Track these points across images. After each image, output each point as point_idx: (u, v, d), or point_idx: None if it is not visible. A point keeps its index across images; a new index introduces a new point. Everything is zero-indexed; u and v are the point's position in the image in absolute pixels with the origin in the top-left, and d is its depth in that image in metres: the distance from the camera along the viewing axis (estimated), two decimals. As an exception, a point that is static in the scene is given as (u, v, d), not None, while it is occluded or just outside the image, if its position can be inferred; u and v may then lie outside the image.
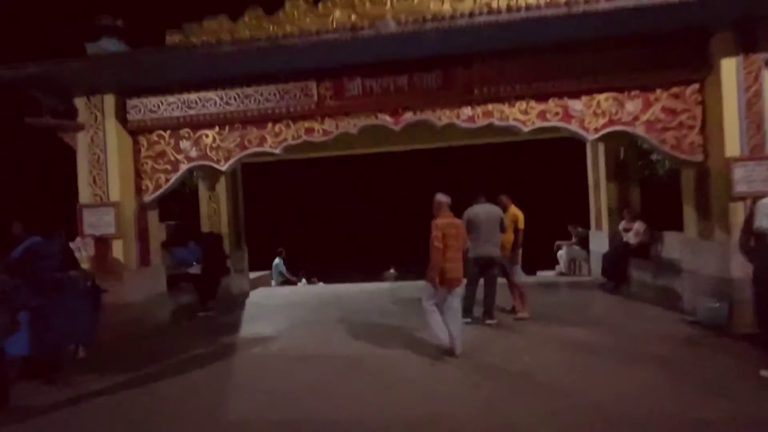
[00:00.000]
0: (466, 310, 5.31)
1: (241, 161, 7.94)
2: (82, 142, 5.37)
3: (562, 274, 8.89)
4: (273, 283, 10.37)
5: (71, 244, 4.55)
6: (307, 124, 5.35)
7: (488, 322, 5.18)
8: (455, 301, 4.15)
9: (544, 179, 15.49)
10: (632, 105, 4.90)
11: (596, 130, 4.97)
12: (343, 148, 7.79)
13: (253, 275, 9.41)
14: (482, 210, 5.19)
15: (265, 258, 11.32)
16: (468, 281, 5.35)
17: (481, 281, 5.19)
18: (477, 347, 4.41)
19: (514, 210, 5.61)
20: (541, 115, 5.05)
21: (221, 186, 8.08)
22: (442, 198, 4.14)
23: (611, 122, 4.95)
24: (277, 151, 5.38)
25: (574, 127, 4.99)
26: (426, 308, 4.11)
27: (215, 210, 8.09)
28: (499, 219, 5.24)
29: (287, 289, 9.08)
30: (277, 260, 10.63)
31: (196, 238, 7.34)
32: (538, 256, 10.24)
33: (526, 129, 5.07)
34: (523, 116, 5.06)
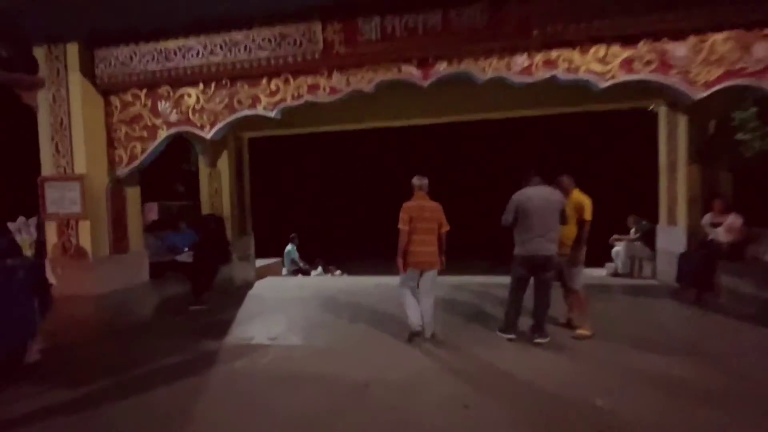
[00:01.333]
0: (509, 324, 4.08)
1: (245, 133, 7.12)
2: (43, 102, 4.40)
3: (617, 274, 7.41)
4: (284, 271, 9.44)
5: (10, 225, 3.66)
6: (310, 80, 4.13)
7: (538, 340, 3.93)
8: (427, 283, 4.02)
9: (598, 160, 13.22)
10: (763, 49, 3.43)
11: (707, 85, 3.48)
12: (353, 121, 6.59)
13: (261, 263, 8.48)
14: (537, 194, 3.86)
15: (277, 244, 10.39)
16: (513, 287, 4.10)
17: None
18: (526, 378, 3.19)
19: (579, 196, 4.25)
20: (626, 64, 3.60)
21: (224, 162, 7.10)
22: (414, 181, 4.03)
23: (730, 74, 3.47)
24: (272, 114, 4.23)
25: (674, 80, 3.51)
26: (400, 292, 4.06)
27: (216, 190, 7.13)
28: (559, 207, 3.92)
29: (297, 280, 8.07)
30: (289, 247, 9.66)
31: (193, 221, 6.42)
32: (587, 251, 8.81)
33: (603, 84, 3.65)
34: (601, 66, 3.64)
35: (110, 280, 4.47)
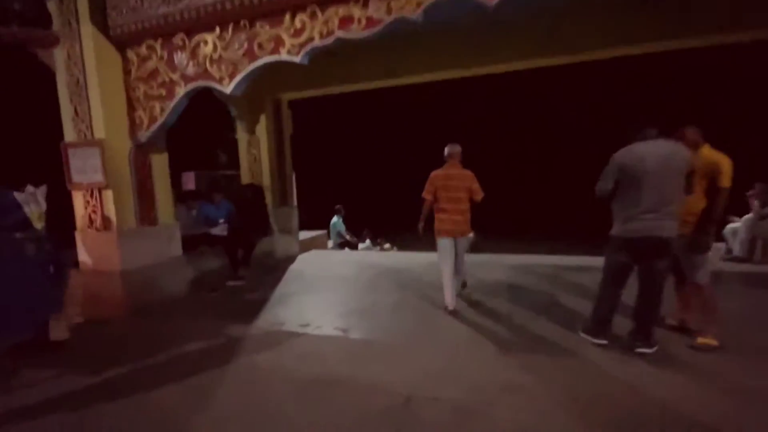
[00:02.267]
0: (599, 325, 3.10)
1: (283, 95, 6.41)
2: (59, 60, 4.02)
3: (731, 258, 5.89)
4: (330, 244, 8.98)
5: (17, 196, 3.35)
6: (341, 11, 3.19)
7: (641, 350, 2.92)
8: (461, 248, 4.01)
9: (709, 111, 10.59)
10: None
11: None
12: (394, 75, 5.58)
13: (306, 235, 8.05)
14: (653, 153, 2.66)
15: (324, 216, 9.94)
16: (607, 277, 3.07)
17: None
18: (623, 403, 2.26)
19: (710, 153, 3.00)
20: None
21: (262, 128, 6.56)
22: (446, 149, 3.93)
23: None
24: (297, 59, 3.43)
25: None
26: (441, 265, 3.94)
27: (256, 158, 6.66)
28: (684, 169, 2.77)
29: (342, 255, 7.51)
30: (335, 218, 9.13)
31: (229, 192, 6.02)
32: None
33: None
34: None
35: (138, 255, 4.14)
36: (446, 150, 3.95)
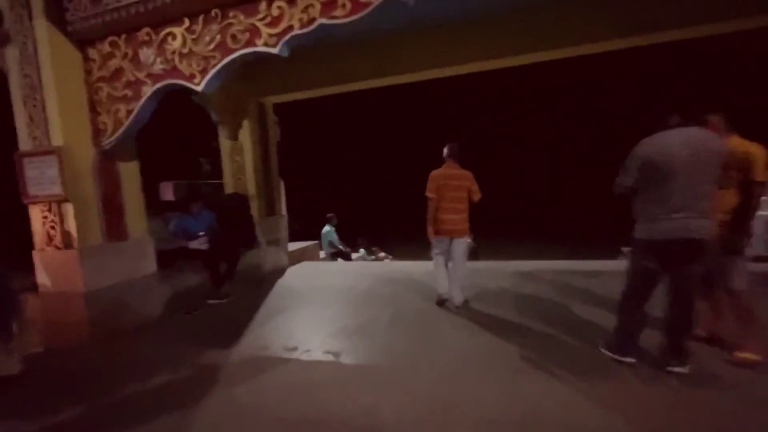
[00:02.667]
0: (625, 340, 2.73)
1: (268, 98, 5.98)
2: (11, 59, 3.66)
3: (758, 257, 5.57)
4: (322, 254, 8.56)
5: None
6: None
7: (675, 369, 2.55)
8: (458, 251, 3.90)
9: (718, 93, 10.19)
10: None
11: None
12: (383, 74, 5.25)
13: (297, 246, 7.65)
14: (681, 143, 2.30)
15: (315, 225, 9.54)
16: (632, 286, 2.70)
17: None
18: None
19: (740, 143, 2.68)
20: None
21: (245, 133, 6.19)
22: (445, 149, 3.92)
23: None
24: (276, 50, 3.05)
25: None
26: (433, 260, 4.02)
27: (239, 165, 6.27)
28: (718, 160, 2.44)
29: (334, 266, 7.10)
30: (327, 228, 8.73)
31: (211, 202, 5.61)
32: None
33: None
34: None
35: (105, 274, 3.72)
36: (445, 150, 3.93)
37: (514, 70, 5.42)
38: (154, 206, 5.57)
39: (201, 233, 4.87)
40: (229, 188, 6.27)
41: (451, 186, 3.80)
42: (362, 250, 10.50)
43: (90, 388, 2.73)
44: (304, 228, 12.27)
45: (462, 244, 3.93)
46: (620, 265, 4.98)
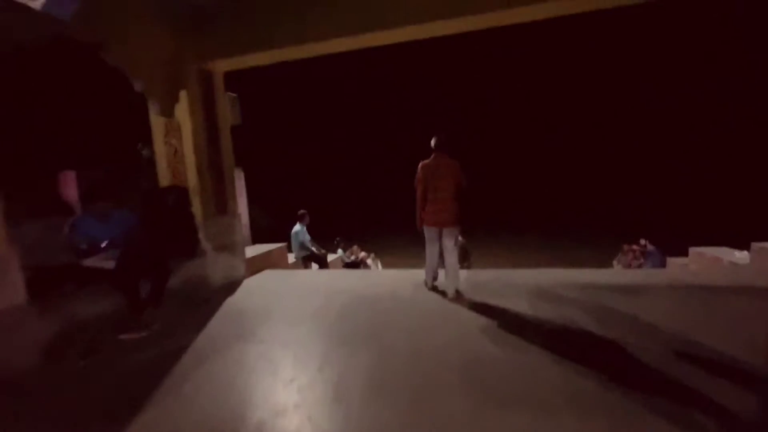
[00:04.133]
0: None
1: (215, 64, 4.17)
2: None
3: None
4: (291, 258, 7.24)
5: None
6: None
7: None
8: (449, 241, 3.90)
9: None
10: None
11: None
12: (358, 29, 4.01)
13: (259, 250, 6.31)
14: None
15: (286, 224, 8.21)
16: None
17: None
18: None
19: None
20: None
21: (183, 109, 4.78)
22: (433, 139, 3.95)
23: None
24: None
25: None
26: (426, 250, 4.04)
27: (176, 150, 4.87)
28: None
29: (303, 276, 5.70)
30: (297, 227, 7.39)
31: (144, 198, 4.25)
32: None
33: None
34: None
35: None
36: (432, 141, 3.95)
37: (523, 29, 4.24)
38: (51, 204, 4.15)
39: (108, 242, 3.49)
40: (164, 180, 4.87)
41: (440, 175, 3.82)
42: (340, 251, 9.24)
43: None
44: (276, 224, 10.85)
45: (452, 233, 3.91)
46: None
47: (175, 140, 4.70)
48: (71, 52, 4.25)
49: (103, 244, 3.48)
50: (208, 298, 4.38)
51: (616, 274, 4.77)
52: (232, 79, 5.41)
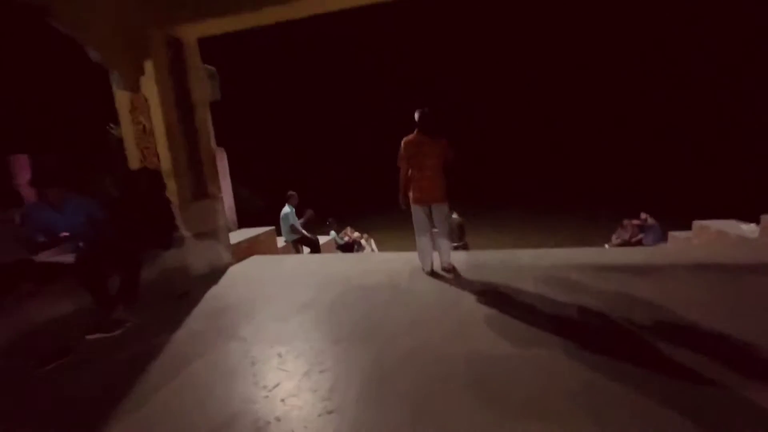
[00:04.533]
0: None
1: (185, 27, 3.86)
2: None
3: None
4: (281, 242, 6.91)
5: None
6: None
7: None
8: (439, 217, 3.81)
9: None
10: None
11: None
12: None
13: (245, 234, 5.95)
14: None
15: (274, 206, 7.82)
16: None
17: None
18: None
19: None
20: None
21: (149, 81, 4.29)
22: (417, 114, 3.72)
23: None
24: None
25: None
26: (416, 234, 3.89)
27: (145, 129, 4.41)
28: None
29: (292, 262, 5.28)
30: (286, 209, 7.01)
31: (92, 184, 3.83)
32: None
33: None
34: None
35: None
36: (416, 114, 3.73)
37: None
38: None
39: (68, 234, 3.11)
40: (134, 162, 4.43)
41: (424, 152, 3.67)
42: (333, 233, 8.93)
43: None
44: (264, 206, 10.42)
45: (442, 208, 3.81)
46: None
47: (143, 117, 4.23)
48: (15, 18, 3.71)
49: (62, 235, 3.09)
50: (189, 291, 4.05)
51: (624, 253, 4.51)
52: (215, 53, 4.90)
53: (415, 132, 3.75)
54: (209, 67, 5.26)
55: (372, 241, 9.77)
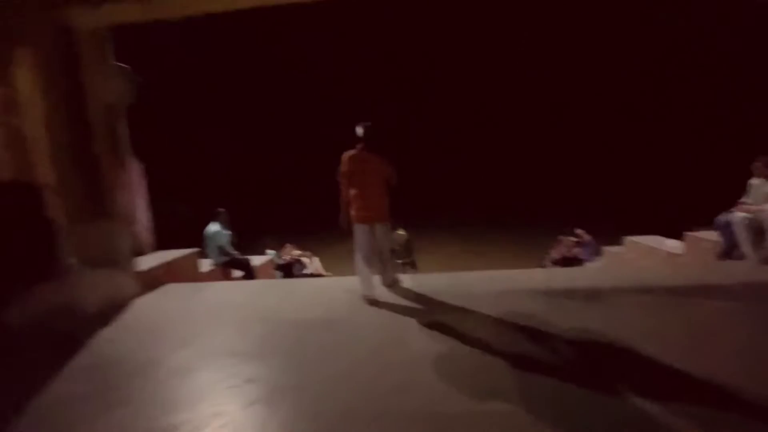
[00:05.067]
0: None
1: (76, 12, 3.28)
2: None
3: (726, 254, 4.68)
4: (207, 265, 6.07)
5: None
6: None
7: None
8: (381, 238, 3.71)
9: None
10: None
11: None
12: None
13: (161, 258, 5.09)
14: None
15: (200, 223, 6.95)
16: None
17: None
18: None
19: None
20: None
21: (26, 74, 3.44)
22: (358, 129, 3.60)
23: None
24: None
25: None
26: (356, 259, 3.67)
27: (18, 131, 3.53)
28: None
29: (214, 292, 4.30)
30: (213, 227, 6.18)
31: None
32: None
33: None
34: None
35: None
36: (358, 130, 3.60)
37: None
38: None
39: None
40: (4, 173, 3.51)
41: (367, 170, 3.56)
42: (271, 252, 8.19)
43: None
44: (196, 214, 9.29)
45: (385, 228, 3.73)
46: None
47: (15, 118, 3.37)
48: None
49: None
50: (72, 334, 3.22)
51: (570, 276, 4.46)
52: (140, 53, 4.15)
53: (357, 147, 3.59)
54: (123, 65, 4.53)
55: (316, 260, 9.13)
